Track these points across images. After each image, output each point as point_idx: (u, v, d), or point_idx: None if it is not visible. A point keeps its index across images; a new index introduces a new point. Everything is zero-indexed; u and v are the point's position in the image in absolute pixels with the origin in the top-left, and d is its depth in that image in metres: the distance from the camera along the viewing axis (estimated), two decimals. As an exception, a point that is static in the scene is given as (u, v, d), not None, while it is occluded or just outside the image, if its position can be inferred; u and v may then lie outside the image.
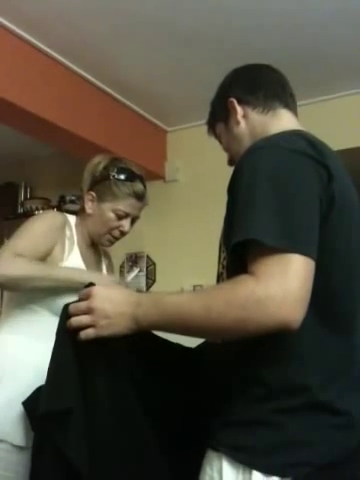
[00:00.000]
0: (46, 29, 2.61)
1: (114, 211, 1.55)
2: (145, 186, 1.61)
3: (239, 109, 1.13)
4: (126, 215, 1.57)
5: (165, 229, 3.56)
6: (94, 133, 3.06)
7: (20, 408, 1.28)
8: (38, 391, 1.20)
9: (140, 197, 1.57)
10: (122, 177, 1.54)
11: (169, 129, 3.70)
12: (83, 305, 0.98)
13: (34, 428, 1.17)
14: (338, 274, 0.95)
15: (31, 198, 3.98)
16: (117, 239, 1.62)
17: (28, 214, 3.75)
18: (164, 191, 3.65)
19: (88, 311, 0.96)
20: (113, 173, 1.54)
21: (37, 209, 3.79)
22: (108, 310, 0.95)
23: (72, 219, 1.59)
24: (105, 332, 0.96)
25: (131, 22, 2.53)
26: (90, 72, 3.01)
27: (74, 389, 1.00)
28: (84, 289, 1.02)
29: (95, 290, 0.99)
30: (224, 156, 1.22)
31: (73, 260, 1.51)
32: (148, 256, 3.62)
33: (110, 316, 0.95)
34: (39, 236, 1.45)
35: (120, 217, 1.56)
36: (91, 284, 1.05)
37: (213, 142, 1.27)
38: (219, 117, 1.18)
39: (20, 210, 3.98)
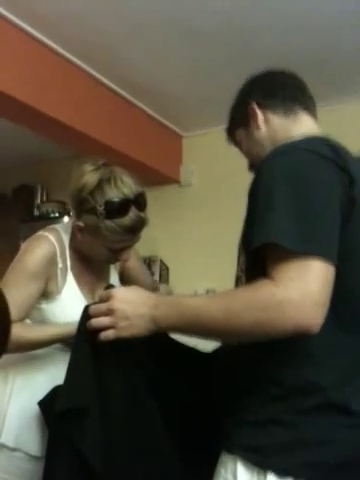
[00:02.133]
0: (62, 31, 2.60)
1: (106, 246, 1.38)
2: (143, 204, 1.37)
3: (259, 114, 1.13)
4: (121, 249, 1.40)
5: (178, 233, 3.57)
6: (110, 136, 3.08)
7: (35, 417, 1.29)
8: (54, 392, 1.21)
9: (134, 230, 1.35)
10: (110, 214, 1.31)
11: (185, 134, 3.71)
12: (103, 306, 0.99)
13: (50, 427, 1.18)
14: (356, 276, 0.95)
15: (47, 201, 4.01)
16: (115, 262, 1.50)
17: (44, 217, 3.79)
18: (179, 195, 3.66)
19: (108, 312, 0.98)
20: (100, 209, 1.30)
21: (53, 212, 3.81)
22: (128, 311, 0.96)
23: (66, 237, 1.45)
24: (125, 333, 0.97)
25: (147, 23, 2.52)
26: (106, 75, 3.02)
27: (92, 389, 1.01)
28: (104, 290, 1.03)
29: (115, 292, 1.00)
30: (239, 160, 1.23)
31: (68, 291, 1.42)
32: (161, 260, 3.62)
33: (130, 317, 0.96)
34: (29, 280, 1.36)
35: (115, 251, 1.40)
36: (110, 286, 1.06)
37: (228, 146, 1.27)
38: (239, 123, 1.19)
39: (36, 213, 4.01)
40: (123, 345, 0.99)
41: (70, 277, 1.43)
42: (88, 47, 2.73)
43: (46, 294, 1.41)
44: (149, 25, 2.53)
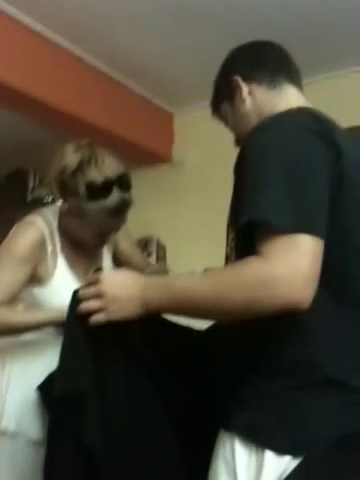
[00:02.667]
0: (50, 13, 2.57)
1: (91, 229, 1.36)
2: (127, 185, 1.34)
3: (244, 86, 1.11)
4: (108, 231, 1.39)
5: (174, 212, 3.55)
6: (99, 117, 3.04)
7: (34, 402, 1.30)
8: (51, 377, 1.21)
9: (118, 212, 1.32)
10: (92, 196, 1.28)
11: (176, 111, 3.67)
12: (92, 290, 0.99)
13: (50, 412, 1.18)
14: (350, 251, 0.94)
15: (41, 185, 3.98)
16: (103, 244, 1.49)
17: (38, 202, 3.76)
18: (172, 174, 3.63)
19: (98, 296, 0.97)
20: (81, 190, 1.28)
21: (47, 196, 3.78)
22: (117, 294, 0.96)
23: (54, 220, 1.43)
24: (115, 316, 0.96)
25: (135, 2, 2.48)
26: (93, 54, 2.97)
27: (87, 374, 1.01)
28: (93, 274, 1.02)
29: (104, 275, 1.00)
30: (232, 137, 1.20)
31: (60, 275, 1.41)
32: (158, 240, 3.62)
33: (120, 300, 0.96)
34: (16, 265, 1.35)
35: (102, 233, 1.39)
36: (99, 269, 1.04)
37: (220, 123, 1.25)
38: (224, 96, 1.16)
39: (30, 197, 3.99)
40: (115, 328, 0.98)
41: (61, 260, 1.42)
42: (77, 28, 2.70)
43: (38, 279, 1.40)
44: (136, 4, 2.49)
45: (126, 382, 1.04)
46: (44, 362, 1.34)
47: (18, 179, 4.12)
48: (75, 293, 1.02)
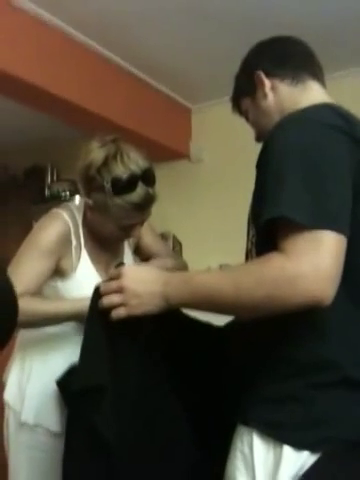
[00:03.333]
0: (72, 11, 2.58)
1: (116, 224, 1.37)
2: (151, 180, 1.35)
3: (267, 81, 1.10)
4: (131, 226, 1.39)
5: (191, 209, 3.55)
6: (117, 113, 3.05)
7: (53, 395, 1.31)
8: (70, 370, 1.23)
9: (143, 206, 1.34)
10: (117, 191, 1.29)
11: (193, 107, 3.66)
12: (114, 285, 0.99)
13: (68, 405, 1.20)
14: None
15: (58, 181, 4.00)
16: (125, 238, 1.49)
17: (55, 197, 3.79)
18: (190, 171, 3.62)
19: (119, 290, 0.98)
20: (107, 185, 1.29)
21: (64, 191, 3.81)
22: (138, 289, 0.96)
23: (79, 215, 1.45)
24: (136, 311, 0.97)
25: (159, 4, 2.48)
26: (114, 52, 2.98)
27: (106, 367, 1.01)
28: (114, 269, 1.03)
29: (125, 270, 1.00)
30: (250, 133, 1.20)
31: (83, 269, 1.42)
32: (174, 236, 3.62)
33: (141, 295, 0.96)
34: (40, 257, 1.35)
35: (125, 228, 1.39)
36: (121, 263, 1.05)
37: (239, 119, 1.24)
38: (245, 92, 1.16)
39: (47, 193, 4.01)
40: (135, 323, 0.99)
41: (84, 255, 1.43)
42: (96, 26, 2.70)
43: (61, 272, 1.41)
44: (160, 4, 2.50)
45: (143, 377, 1.04)
46: (64, 357, 1.35)
47: (36, 175, 4.14)
48: (97, 288, 1.02)
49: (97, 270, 1.45)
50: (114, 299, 0.98)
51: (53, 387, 1.30)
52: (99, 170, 1.31)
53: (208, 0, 2.48)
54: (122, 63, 3.09)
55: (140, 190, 1.31)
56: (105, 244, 1.48)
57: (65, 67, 2.75)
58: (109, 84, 3.03)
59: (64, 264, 1.40)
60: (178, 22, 2.67)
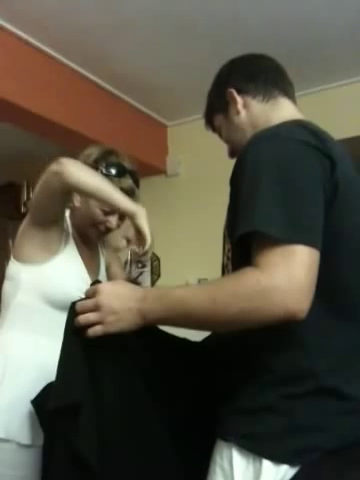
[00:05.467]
0: (44, 27, 2.59)
1: (100, 207, 1.49)
2: (137, 181, 1.55)
3: (239, 99, 1.12)
4: (112, 211, 1.50)
5: (168, 224, 3.55)
6: (93, 129, 3.06)
7: (25, 407, 1.28)
8: (46, 389, 1.21)
9: (128, 194, 1.46)
10: (110, 172, 1.48)
11: (169, 123, 3.69)
12: (90, 303, 0.98)
13: (43, 426, 1.18)
14: (344, 261, 0.95)
15: (34, 197, 3.99)
16: (104, 234, 1.58)
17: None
18: (166, 186, 3.64)
19: (95, 308, 0.97)
20: (101, 167, 1.48)
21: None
22: (115, 306, 0.96)
23: (66, 212, 1.56)
24: (113, 328, 0.96)
25: (128, 16, 2.51)
26: (88, 68, 3.00)
27: (83, 385, 1.00)
28: (90, 286, 1.02)
29: (101, 287, 0.99)
30: (225, 148, 1.21)
31: (70, 252, 1.49)
32: (152, 252, 3.62)
33: (117, 312, 0.95)
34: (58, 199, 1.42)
35: (106, 213, 1.50)
36: (97, 281, 1.04)
37: (214, 135, 1.26)
38: (218, 109, 1.17)
39: (23, 210, 3.98)
40: (113, 339, 0.98)
41: (71, 241, 1.52)
42: (70, 42, 2.72)
43: (47, 248, 1.44)
44: (131, 18, 2.53)
45: (124, 392, 1.03)
46: (35, 368, 1.34)
47: (11, 192, 4.12)
48: (73, 305, 1.02)
49: (80, 261, 1.52)
50: (90, 317, 0.97)
51: (23, 399, 1.28)
52: (96, 161, 1.50)
53: (183, 16, 2.51)
54: (97, 80, 3.11)
55: (128, 180, 1.51)
56: (86, 249, 1.57)
57: (40, 83, 2.75)
58: (85, 100, 3.04)
59: (53, 238, 1.45)
60: (155, 38, 2.70)
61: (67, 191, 1.37)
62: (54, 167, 1.34)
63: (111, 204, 1.39)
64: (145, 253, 1.43)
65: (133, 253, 3.59)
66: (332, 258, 0.91)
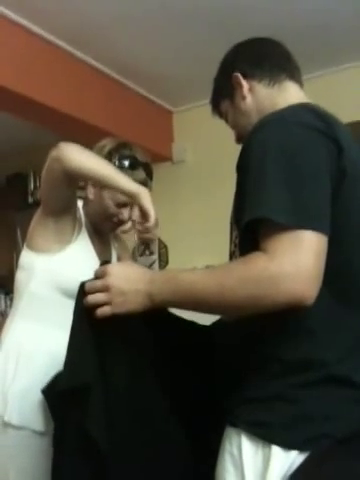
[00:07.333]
0: (49, 16, 2.59)
1: (113, 199, 1.50)
2: (151, 173, 1.57)
3: (245, 83, 1.11)
4: (125, 204, 1.51)
5: (175, 211, 3.56)
6: (99, 118, 3.05)
7: (38, 394, 1.30)
8: (56, 378, 1.22)
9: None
10: (123, 165, 1.49)
11: (175, 109, 3.67)
12: (99, 283, 0.99)
13: (54, 415, 1.19)
14: (352, 246, 0.94)
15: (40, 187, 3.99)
16: (117, 226, 1.58)
17: (39, 203, 3.76)
18: (172, 173, 3.63)
19: (104, 289, 0.98)
20: (115, 160, 1.49)
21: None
22: (123, 287, 0.96)
23: (79, 203, 1.58)
24: (121, 309, 0.97)
25: (132, 4, 2.50)
26: (92, 56, 2.99)
27: (92, 366, 1.01)
28: (99, 267, 1.03)
29: (110, 268, 1.00)
30: (232, 134, 1.21)
31: (82, 242, 1.50)
32: (159, 239, 3.62)
33: (125, 293, 0.96)
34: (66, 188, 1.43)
35: (119, 205, 1.51)
36: (106, 262, 1.05)
37: (220, 121, 1.25)
38: (224, 94, 1.16)
39: (31, 200, 3.99)
40: (121, 321, 0.99)
41: (84, 231, 1.53)
42: (75, 30, 2.72)
43: (60, 238, 1.45)
44: (135, 6, 2.52)
45: (130, 375, 1.04)
46: (49, 355, 1.36)
47: (18, 182, 4.12)
48: (82, 285, 1.02)
49: (91, 250, 1.52)
50: (99, 297, 0.98)
51: (37, 386, 1.29)
52: (110, 153, 1.52)
53: (187, 2, 2.49)
54: (102, 67, 3.10)
55: (140, 173, 1.52)
56: (98, 240, 1.57)
57: (45, 73, 2.74)
58: (90, 88, 3.03)
59: (67, 227, 1.46)
60: (158, 24, 2.69)
61: (69, 175, 1.36)
62: (54, 153, 1.35)
63: (113, 185, 1.37)
64: (150, 230, 1.41)
65: (139, 236, 3.60)
66: (340, 244, 0.90)
